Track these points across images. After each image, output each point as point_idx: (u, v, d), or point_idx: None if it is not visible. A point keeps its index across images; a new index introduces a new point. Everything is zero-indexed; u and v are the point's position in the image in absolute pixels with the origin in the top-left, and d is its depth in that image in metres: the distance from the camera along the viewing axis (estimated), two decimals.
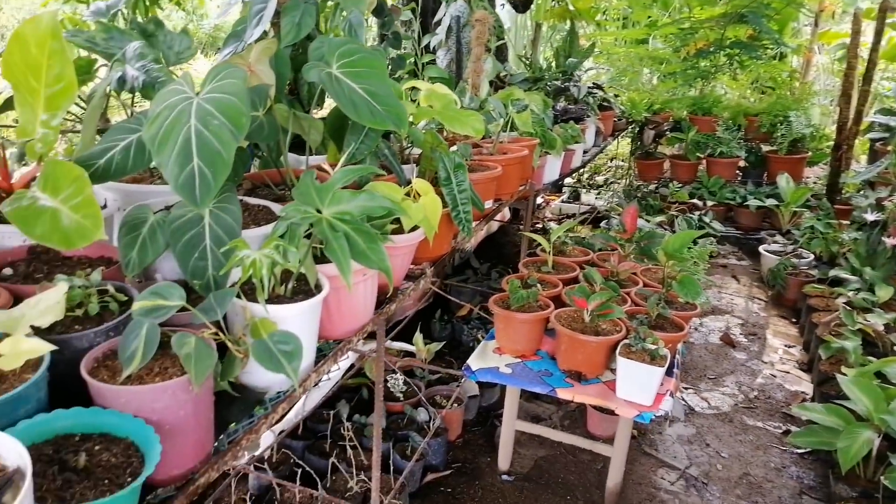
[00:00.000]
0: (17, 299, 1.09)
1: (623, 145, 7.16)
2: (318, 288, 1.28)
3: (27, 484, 0.67)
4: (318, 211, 1.20)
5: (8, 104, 1.61)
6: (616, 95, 6.13)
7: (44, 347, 0.90)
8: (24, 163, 1.44)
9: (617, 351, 2.15)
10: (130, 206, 1.31)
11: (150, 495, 0.96)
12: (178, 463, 0.99)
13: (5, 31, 10.02)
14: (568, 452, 2.76)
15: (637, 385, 2.14)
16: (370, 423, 2.56)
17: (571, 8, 6.17)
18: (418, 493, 2.43)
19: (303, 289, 1.29)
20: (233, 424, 1.13)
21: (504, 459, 2.61)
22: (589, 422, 2.90)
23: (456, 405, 2.74)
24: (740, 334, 3.98)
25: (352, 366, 2.56)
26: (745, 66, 6.13)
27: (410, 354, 3.05)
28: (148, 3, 1.98)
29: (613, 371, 2.27)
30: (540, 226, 5.22)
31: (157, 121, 1.23)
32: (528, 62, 5.30)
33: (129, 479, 0.85)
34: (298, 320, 1.21)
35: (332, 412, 2.55)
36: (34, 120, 1.31)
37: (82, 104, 1.78)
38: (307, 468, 2.17)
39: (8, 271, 1.23)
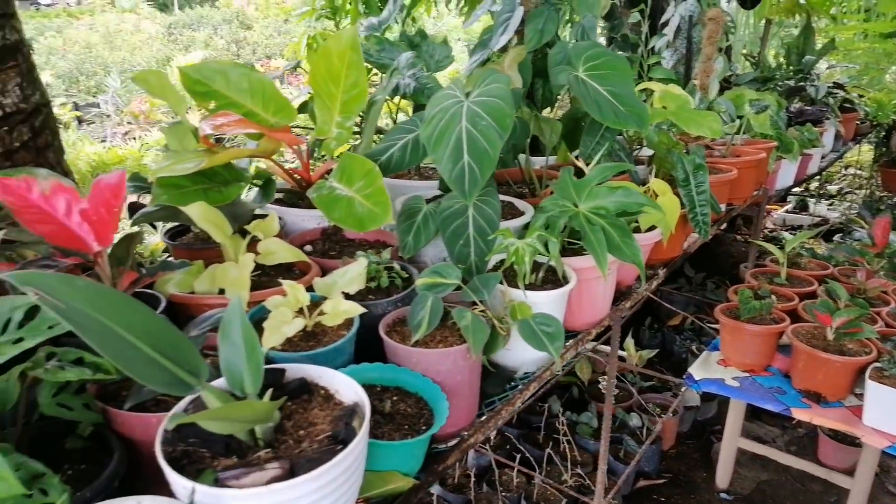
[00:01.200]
0: (323, 271, 1.30)
1: (863, 151, 6.39)
2: (565, 279, 1.35)
3: (367, 413, 0.81)
4: (575, 205, 1.27)
5: (301, 108, 1.89)
6: (861, 96, 5.49)
7: (357, 309, 1.07)
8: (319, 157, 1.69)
9: (866, 374, 1.96)
10: (403, 197, 1.49)
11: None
12: (451, 422, 1.11)
13: (256, 47, 11.58)
14: (795, 480, 2.56)
15: (889, 413, 1.93)
16: (582, 421, 2.59)
17: (802, 1, 5.64)
18: (631, 497, 2.41)
19: (550, 278, 1.37)
20: (493, 398, 1.24)
21: (723, 477, 2.49)
22: (820, 450, 2.65)
23: (671, 414, 2.67)
24: None
25: (566, 363, 2.61)
26: None
27: (620, 360, 3.02)
28: (413, 18, 2.20)
29: (858, 396, 2.08)
30: (760, 236, 4.86)
31: (433, 122, 1.38)
32: (754, 61, 4.96)
33: (424, 428, 0.98)
34: (549, 307, 1.28)
35: (545, 405, 2.62)
36: (330, 121, 1.55)
37: None
38: (526, 454, 2.26)
39: (308, 248, 1.46)
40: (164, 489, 0.74)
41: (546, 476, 2.30)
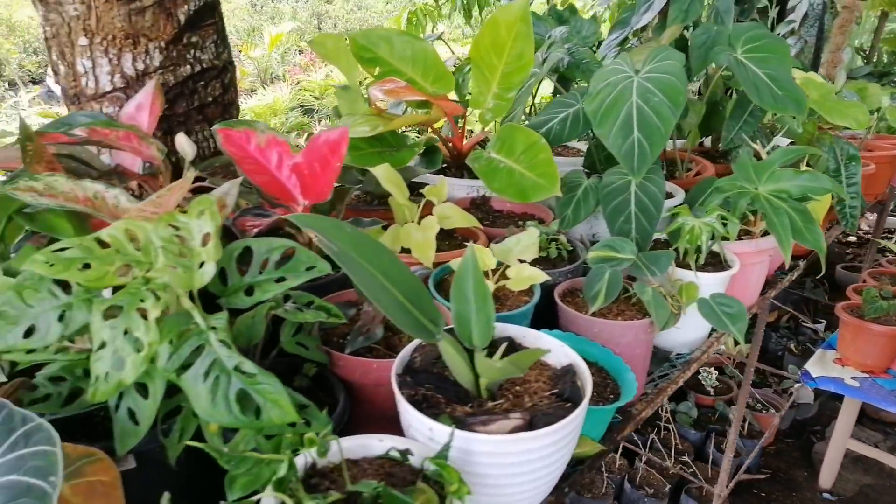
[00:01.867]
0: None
1: None
2: (724, 263, 1.34)
3: (588, 374, 0.84)
4: (755, 188, 1.26)
5: None
6: None
7: (541, 276, 1.09)
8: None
9: None
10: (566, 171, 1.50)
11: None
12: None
13: (337, 21, 11.69)
14: None
15: None
16: (681, 411, 2.57)
17: None
18: (732, 491, 2.39)
19: (709, 261, 1.36)
20: (650, 375, 1.25)
21: (828, 477, 2.44)
22: None
23: (773, 411, 2.63)
24: None
25: None
26: None
27: (717, 353, 2.98)
28: None
29: None
30: (853, 238, 4.68)
31: (599, 96, 1.38)
32: (865, 55, 4.73)
33: (612, 397, 1.00)
34: (713, 289, 1.28)
35: None
36: (487, 92, 1.56)
37: None
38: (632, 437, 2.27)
39: None
40: (378, 429, 0.77)
41: (647, 461, 2.30)
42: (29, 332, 0.73)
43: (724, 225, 1.19)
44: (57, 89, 4.44)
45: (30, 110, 5.76)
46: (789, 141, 2.06)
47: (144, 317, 0.70)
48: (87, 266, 0.72)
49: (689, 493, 2.19)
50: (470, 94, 1.61)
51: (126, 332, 0.70)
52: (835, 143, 1.78)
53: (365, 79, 1.60)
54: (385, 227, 1.20)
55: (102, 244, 0.75)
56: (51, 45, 1.19)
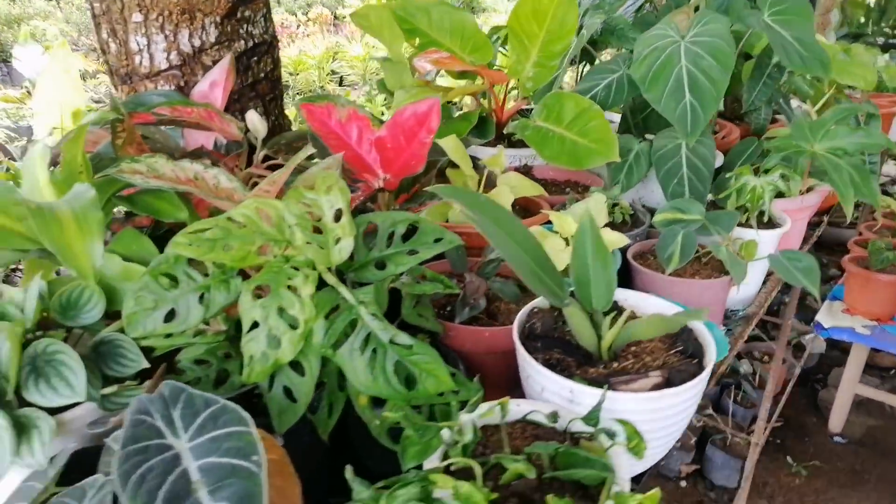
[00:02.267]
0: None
1: None
2: (771, 222, 1.38)
3: (706, 332, 0.86)
4: (810, 146, 1.29)
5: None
6: None
7: (623, 240, 1.11)
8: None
9: None
10: None
11: None
12: None
13: None
14: None
15: None
16: None
17: None
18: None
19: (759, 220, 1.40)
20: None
21: (837, 421, 2.56)
22: None
23: (782, 363, 2.73)
24: None
25: None
26: None
27: None
28: None
29: None
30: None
31: (646, 61, 1.39)
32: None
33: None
34: (767, 246, 1.32)
35: None
36: (526, 60, 1.56)
37: None
38: None
39: None
40: (487, 396, 0.78)
41: None
42: (169, 317, 0.72)
43: (786, 182, 1.23)
44: (24, 69, 4.21)
45: None
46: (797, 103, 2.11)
47: (296, 294, 0.70)
48: (228, 247, 0.71)
49: (714, 444, 2.27)
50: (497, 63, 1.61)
51: (280, 311, 0.69)
52: (854, 104, 1.83)
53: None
54: None
55: (235, 224, 0.74)
56: (100, 23, 1.15)
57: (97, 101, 5.38)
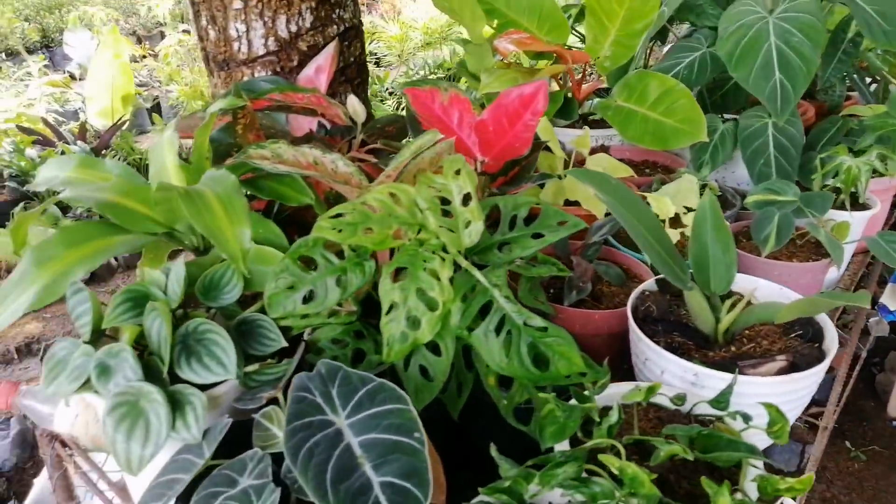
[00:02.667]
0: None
1: None
2: (860, 204, 1.36)
3: (826, 317, 0.86)
4: None
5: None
6: None
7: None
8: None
9: None
10: None
11: None
12: None
13: None
14: None
15: None
16: None
17: None
18: (807, 424, 2.47)
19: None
20: None
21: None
22: None
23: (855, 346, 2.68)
24: None
25: None
26: None
27: None
28: None
29: None
30: None
31: (732, 38, 1.37)
32: None
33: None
34: (856, 228, 1.30)
35: None
36: (604, 39, 1.54)
37: None
38: None
39: None
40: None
41: None
42: (307, 298, 0.74)
43: (884, 162, 1.20)
44: (74, 54, 4.30)
45: (38, 81, 5.63)
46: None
47: (435, 277, 0.71)
48: (368, 230, 0.72)
49: None
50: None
51: (419, 293, 0.71)
52: None
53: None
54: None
55: (371, 209, 0.75)
56: (199, 10, 1.17)
57: (140, 85, 5.45)
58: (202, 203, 0.72)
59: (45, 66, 6.76)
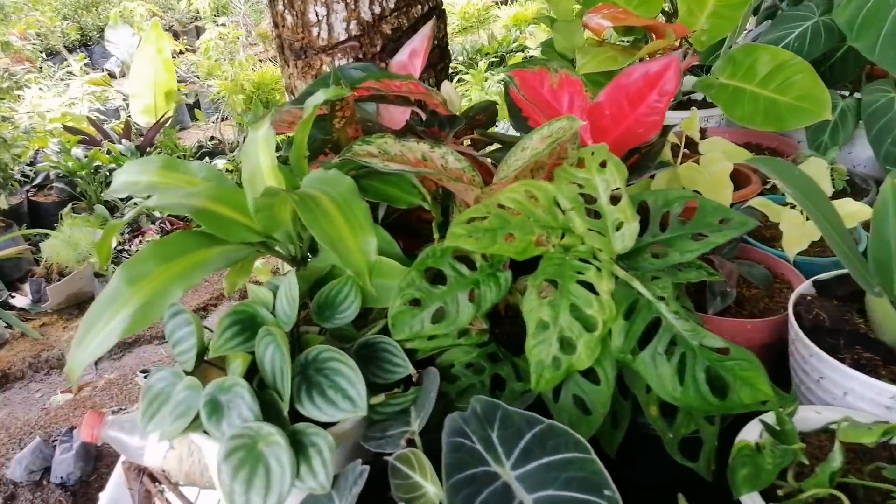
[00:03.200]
0: None
1: None
2: None
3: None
4: None
5: None
6: None
7: (866, 211, 0.97)
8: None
9: None
10: None
11: None
12: None
13: None
14: None
15: None
16: None
17: None
18: None
19: None
20: None
21: None
22: None
23: None
24: None
25: None
26: None
27: None
28: None
29: None
30: None
31: (853, 4, 1.22)
32: None
33: None
34: None
35: None
36: (699, 12, 1.40)
37: None
38: None
39: None
40: None
41: None
42: (437, 317, 0.64)
43: None
44: (117, 51, 4.26)
45: (80, 79, 5.64)
46: None
47: (592, 291, 0.60)
48: (510, 236, 0.62)
49: None
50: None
51: (573, 309, 0.60)
52: None
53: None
54: None
55: (508, 212, 0.65)
56: None
57: (179, 81, 5.41)
58: (318, 210, 0.62)
59: (86, 64, 6.80)
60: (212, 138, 4.76)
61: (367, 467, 0.57)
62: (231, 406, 0.59)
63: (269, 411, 0.60)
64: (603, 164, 0.67)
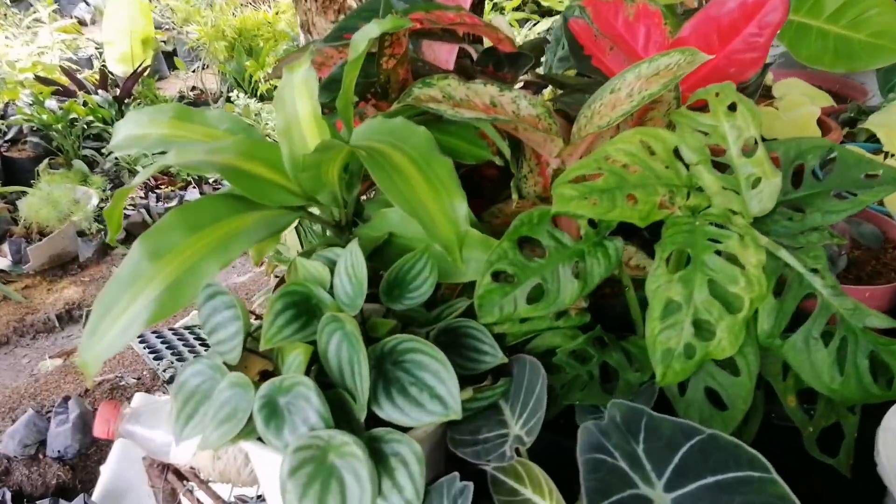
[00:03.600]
0: None
1: None
2: None
3: None
4: None
5: None
6: None
7: None
8: None
9: None
10: None
11: None
12: None
13: None
14: None
15: None
16: None
17: None
18: None
19: None
20: None
21: None
22: None
23: None
24: None
25: None
26: None
27: None
28: None
29: None
30: None
31: None
32: None
33: None
34: None
35: None
36: None
37: None
38: None
39: None
40: None
41: None
42: (533, 296, 0.53)
43: None
44: None
45: (49, 26, 5.32)
46: None
47: (736, 263, 0.49)
48: (630, 197, 0.50)
49: None
50: None
51: (711, 286, 0.49)
52: None
53: None
54: None
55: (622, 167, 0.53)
56: None
57: (154, 27, 5.10)
58: (391, 168, 0.49)
59: (54, 11, 6.42)
60: (193, 88, 4.53)
61: (470, 484, 0.46)
62: (293, 410, 0.48)
63: (337, 415, 0.49)
64: (732, 108, 0.55)
